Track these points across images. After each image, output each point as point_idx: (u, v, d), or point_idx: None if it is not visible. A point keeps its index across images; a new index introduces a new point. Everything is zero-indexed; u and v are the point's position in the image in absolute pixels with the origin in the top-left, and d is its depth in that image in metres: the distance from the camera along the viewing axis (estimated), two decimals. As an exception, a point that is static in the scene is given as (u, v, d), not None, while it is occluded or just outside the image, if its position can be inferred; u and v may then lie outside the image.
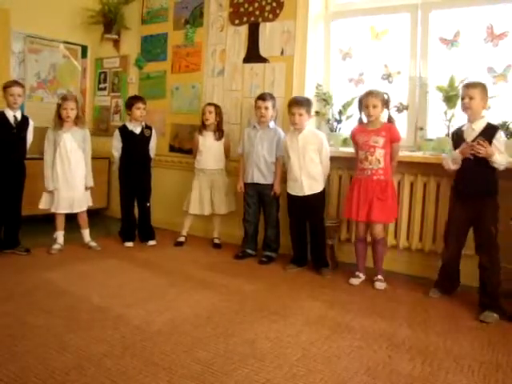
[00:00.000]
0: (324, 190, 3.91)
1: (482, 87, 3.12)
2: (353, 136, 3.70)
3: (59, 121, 4.13)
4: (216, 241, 4.62)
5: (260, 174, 4.14)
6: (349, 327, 2.77)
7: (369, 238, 3.73)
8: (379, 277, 3.57)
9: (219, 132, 4.51)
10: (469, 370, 2.29)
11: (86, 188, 4.32)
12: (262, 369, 2.23)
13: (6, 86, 3.92)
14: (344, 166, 4.05)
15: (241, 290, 3.39)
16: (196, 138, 4.57)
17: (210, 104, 4.54)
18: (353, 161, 3.80)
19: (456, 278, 3.39)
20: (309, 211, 3.89)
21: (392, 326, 2.81)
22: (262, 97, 4.11)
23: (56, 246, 4.15)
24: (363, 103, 3.55)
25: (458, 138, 3.24)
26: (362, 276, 3.65)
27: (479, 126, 3.11)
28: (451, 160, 3.26)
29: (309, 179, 3.83)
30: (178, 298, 3.16)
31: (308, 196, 3.84)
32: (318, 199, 3.88)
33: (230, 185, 4.57)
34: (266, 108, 4.06)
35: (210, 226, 4.70)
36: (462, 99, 3.16)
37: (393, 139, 3.53)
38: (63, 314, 2.79)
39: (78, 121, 4.23)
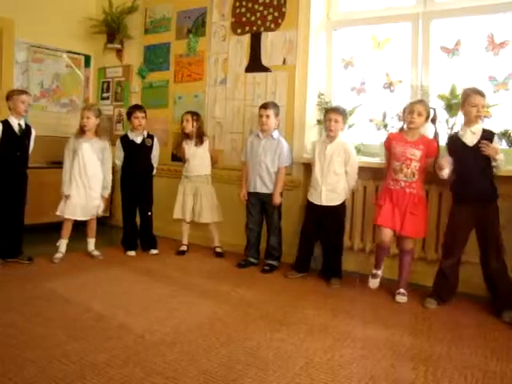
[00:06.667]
0: (344, 203, 3.87)
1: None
2: (388, 142, 3.58)
3: (80, 129, 4.24)
4: (218, 249, 4.60)
5: (262, 183, 4.15)
6: (352, 336, 2.77)
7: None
8: (401, 290, 3.46)
9: (198, 138, 4.54)
10: (472, 379, 2.28)
11: (102, 197, 4.35)
12: (265, 378, 2.22)
13: (16, 94, 3.96)
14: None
15: (243, 298, 3.38)
16: (182, 146, 4.61)
17: (187, 112, 4.60)
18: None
19: (455, 285, 3.39)
20: (326, 222, 3.84)
21: (395, 334, 2.80)
22: (263, 105, 4.14)
23: (58, 255, 4.15)
24: (408, 109, 3.45)
25: (455, 142, 3.30)
26: (380, 273, 3.59)
27: (478, 129, 3.21)
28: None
29: (328, 190, 3.79)
30: (181, 307, 3.15)
31: (326, 207, 3.81)
32: (337, 212, 3.82)
33: (215, 194, 4.58)
34: (268, 116, 4.07)
35: (211, 235, 4.67)
36: (474, 107, 3.19)
37: (429, 154, 3.43)
38: (65, 323, 2.79)
39: (99, 132, 4.31)
